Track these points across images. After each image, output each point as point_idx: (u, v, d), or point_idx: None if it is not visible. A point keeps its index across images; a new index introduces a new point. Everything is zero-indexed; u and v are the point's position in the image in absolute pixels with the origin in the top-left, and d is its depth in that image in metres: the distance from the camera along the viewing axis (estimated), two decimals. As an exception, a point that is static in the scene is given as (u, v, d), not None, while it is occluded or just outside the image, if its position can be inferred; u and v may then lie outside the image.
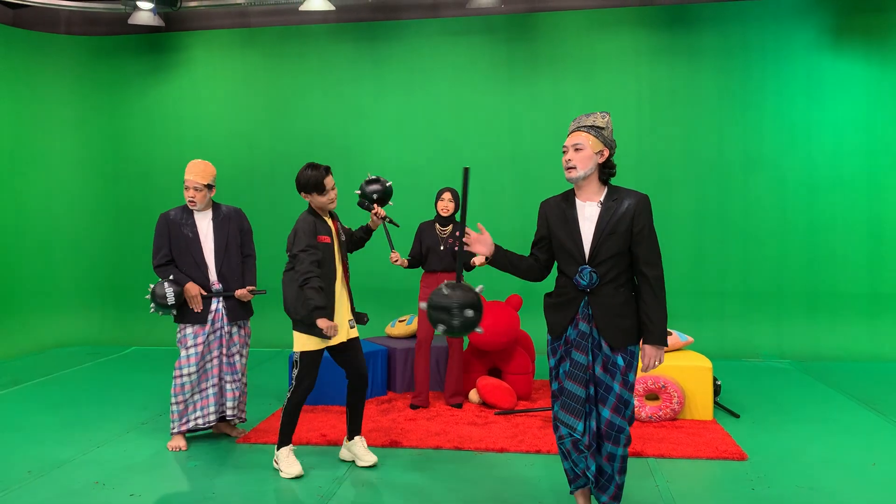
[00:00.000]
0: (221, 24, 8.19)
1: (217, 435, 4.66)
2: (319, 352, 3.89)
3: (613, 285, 2.92)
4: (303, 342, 3.84)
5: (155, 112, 8.27)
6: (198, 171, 4.35)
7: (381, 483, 3.81)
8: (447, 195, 5.28)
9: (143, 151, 8.28)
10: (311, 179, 3.79)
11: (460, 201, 3.09)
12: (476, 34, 7.75)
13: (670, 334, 5.13)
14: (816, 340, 7.18)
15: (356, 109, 7.96)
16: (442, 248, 5.23)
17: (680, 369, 4.92)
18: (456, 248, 5.22)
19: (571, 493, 3.18)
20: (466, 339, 5.77)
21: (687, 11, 7.45)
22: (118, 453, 4.32)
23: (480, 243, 2.97)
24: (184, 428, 4.37)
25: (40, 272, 8.08)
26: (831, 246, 7.26)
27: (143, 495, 3.65)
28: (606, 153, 2.95)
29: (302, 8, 7.18)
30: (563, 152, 2.97)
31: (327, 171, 3.84)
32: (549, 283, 3.22)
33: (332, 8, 7.23)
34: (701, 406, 4.90)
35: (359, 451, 4.07)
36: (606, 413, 2.91)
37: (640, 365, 3.06)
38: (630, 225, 2.90)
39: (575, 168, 2.93)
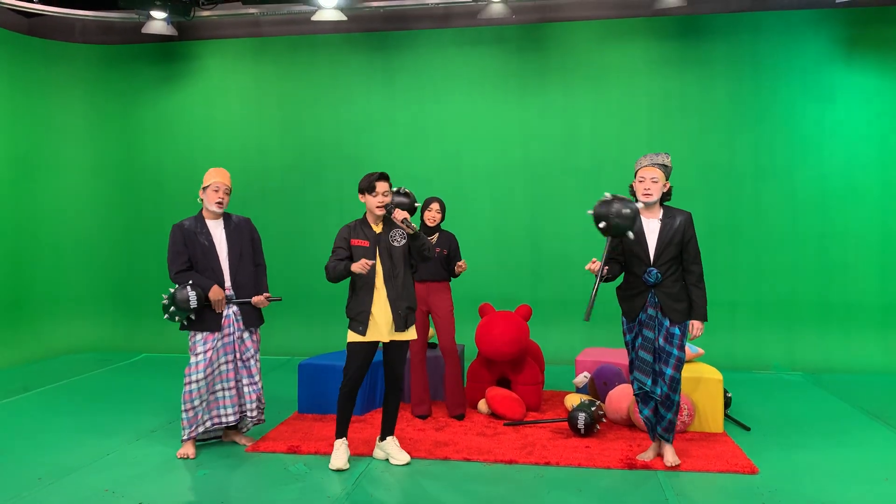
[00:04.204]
0: (234, 33, 8.25)
1: (226, 443, 4.67)
2: (361, 343, 4.15)
3: (671, 280, 4.07)
4: (349, 334, 4.21)
5: (167, 120, 8.32)
6: (224, 175, 4.56)
7: (389, 494, 3.80)
8: (435, 205, 5.31)
9: (156, 159, 8.33)
10: (366, 180, 4.13)
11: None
12: (487, 44, 7.77)
13: None
14: (828, 352, 7.13)
15: (367, 119, 7.98)
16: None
17: (690, 381, 4.89)
18: (445, 254, 5.24)
19: (652, 438, 4.28)
20: (475, 349, 5.76)
21: (698, 22, 7.45)
22: (128, 461, 4.33)
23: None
24: (193, 434, 4.39)
25: (51, 279, 8.13)
26: (843, 257, 7.21)
27: (152, 503, 3.66)
28: (668, 185, 4.11)
29: (314, 18, 7.22)
30: (641, 181, 4.04)
31: (381, 176, 4.14)
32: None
33: (344, 18, 7.27)
34: (711, 419, 4.87)
35: (392, 450, 4.31)
36: (669, 371, 4.05)
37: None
38: (682, 237, 4.06)
39: (652, 195, 4.03)
